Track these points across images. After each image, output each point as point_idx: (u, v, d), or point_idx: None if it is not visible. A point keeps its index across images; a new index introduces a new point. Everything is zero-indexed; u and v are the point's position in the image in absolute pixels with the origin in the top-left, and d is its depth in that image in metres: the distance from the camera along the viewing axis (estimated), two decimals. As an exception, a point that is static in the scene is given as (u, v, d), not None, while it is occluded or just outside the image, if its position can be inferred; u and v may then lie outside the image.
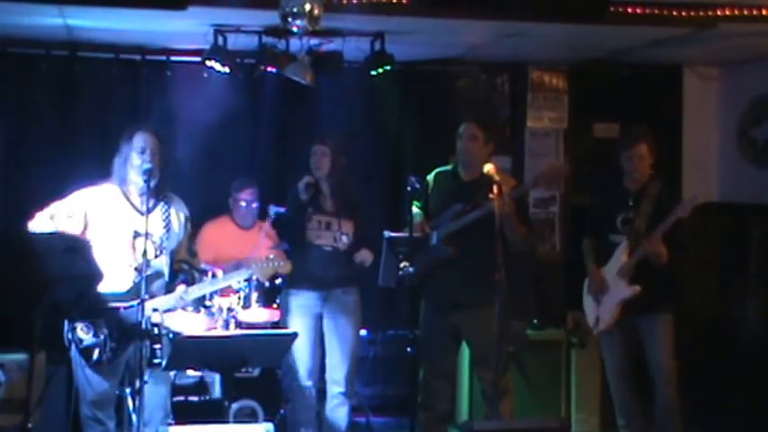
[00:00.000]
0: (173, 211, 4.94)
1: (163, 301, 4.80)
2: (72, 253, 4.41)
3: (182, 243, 5.00)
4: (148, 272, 4.71)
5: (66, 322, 4.74)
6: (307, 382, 5.63)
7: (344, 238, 5.50)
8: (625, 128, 5.61)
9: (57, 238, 4.58)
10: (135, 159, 4.78)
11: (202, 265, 5.48)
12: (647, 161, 5.46)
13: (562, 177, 5.83)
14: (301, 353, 5.56)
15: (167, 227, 4.89)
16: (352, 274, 5.64)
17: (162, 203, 4.91)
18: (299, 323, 5.57)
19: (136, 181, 4.77)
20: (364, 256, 5.59)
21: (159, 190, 4.88)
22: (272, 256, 5.13)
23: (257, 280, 5.82)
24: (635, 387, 5.55)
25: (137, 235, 4.71)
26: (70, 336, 4.73)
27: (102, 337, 4.70)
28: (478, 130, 5.47)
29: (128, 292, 4.73)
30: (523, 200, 5.64)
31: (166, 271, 4.91)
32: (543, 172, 5.64)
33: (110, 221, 4.80)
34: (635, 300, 5.33)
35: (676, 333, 5.47)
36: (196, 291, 4.94)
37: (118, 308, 4.71)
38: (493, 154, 5.55)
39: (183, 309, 5.18)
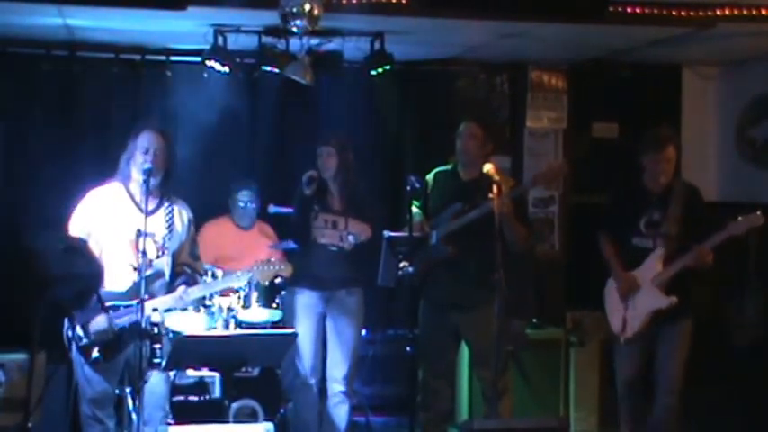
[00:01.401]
0: (176, 212, 4.94)
1: (163, 301, 4.80)
2: (72, 253, 4.41)
3: (184, 245, 4.99)
4: (149, 272, 4.72)
5: (65, 320, 4.75)
6: (309, 380, 5.64)
7: (351, 238, 5.47)
8: (653, 128, 5.46)
9: (57, 238, 4.59)
10: (138, 158, 4.79)
11: (204, 266, 5.48)
12: (673, 163, 5.33)
13: (561, 176, 5.81)
14: (304, 351, 5.57)
15: (170, 227, 4.89)
16: (356, 274, 5.62)
17: (166, 204, 4.91)
18: (301, 322, 5.57)
19: (138, 180, 4.77)
20: (361, 228, 5.48)
21: (163, 190, 4.89)
22: (272, 259, 5.14)
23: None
24: (642, 393, 5.49)
25: (140, 234, 4.72)
26: (70, 334, 4.74)
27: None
28: (478, 129, 5.48)
29: (128, 291, 4.73)
30: (522, 199, 5.64)
31: (168, 271, 4.91)
32: (542, 171, 5.63)
33: (113, 220, 4.81)
34: (666, 309, 5.25)
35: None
36: (196, 291, 4.94)
37: (118, 306, 4.72)
38: (492, 154, 5.55)
39: (183, 309, 5.18)
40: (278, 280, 5.83)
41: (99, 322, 4.66)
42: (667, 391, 5.32)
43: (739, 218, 5.16)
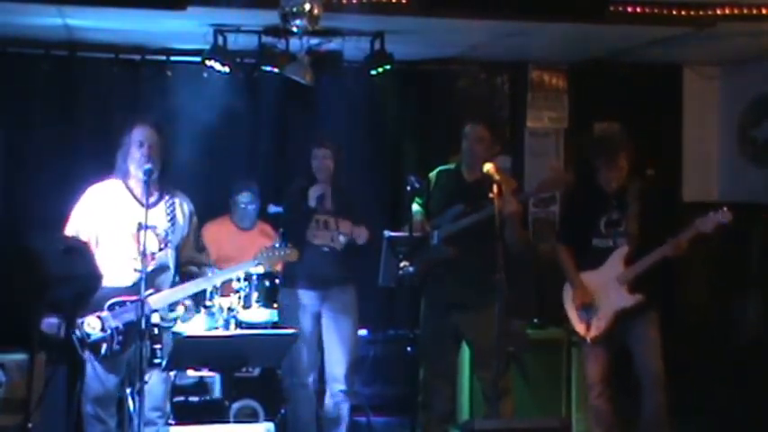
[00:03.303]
0: (177, 204, 4.94)
1: (167, 295, 4.79)
2: (71, 254, 4.41)
3: (187, 238, 4.99)
4: (153, 265, 4.71)
5: (67, 322, 4.74)
6: (306, 380, 5.63)
7: (341, 238, 5.48)
8: (604, 135, 5.50)
9: (57, 238, 4.59)
10: (135, 153, 4.79)
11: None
12: (625, 169, 5.34)
13: (564, 183, 5.81)
14: (300, 351, 5.55)
15: (172, 220, 4.89)
16: (349, 272, 5.62)
17: (166, 197, 4.91)
18: (297, 322, 5.56)
19: (136, 174, 4.78)
20: (359, 231, 5.49)
21: (162, 183, 4.88)
22: (277, 245, 5.11)
23: (257, 279, 5.82)
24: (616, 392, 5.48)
25: (141, 228, 4.71)
26: (77, 333, 4.72)
27: (109, 331, 4.70)
28: (485, 132, 5.46)
29: (132, 286, 4.73)
30: (524, 203, 5.65)
31: (172, 264, 4.90)
32: (546, 179, 5.63)
33: (114, 216, 4.81)
34: (631, 308, 5.27)
35: (675, 334, 5.44)
36: (201, 284, 4.93)
37: (124, 301, 4.71)
38: (498, 155, 5.54)
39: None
40: (277, 280, 5.83)
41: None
42: (654, 388, 5.30)
43: (709, 213, 5.15)
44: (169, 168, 4.91)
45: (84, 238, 4.76)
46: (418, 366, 5.55)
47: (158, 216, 4.85)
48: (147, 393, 4.74)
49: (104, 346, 4.70)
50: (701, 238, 5.15)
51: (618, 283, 5.28)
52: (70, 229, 4.81)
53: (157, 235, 4.82)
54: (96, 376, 4.77)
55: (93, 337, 4.70)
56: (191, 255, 5.01)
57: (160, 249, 4.83)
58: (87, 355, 4.74)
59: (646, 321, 5.32)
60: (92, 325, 4.70)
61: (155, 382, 4.81)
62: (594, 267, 5.38)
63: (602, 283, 5.34)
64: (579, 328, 5.44)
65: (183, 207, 4.98)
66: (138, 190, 4.80)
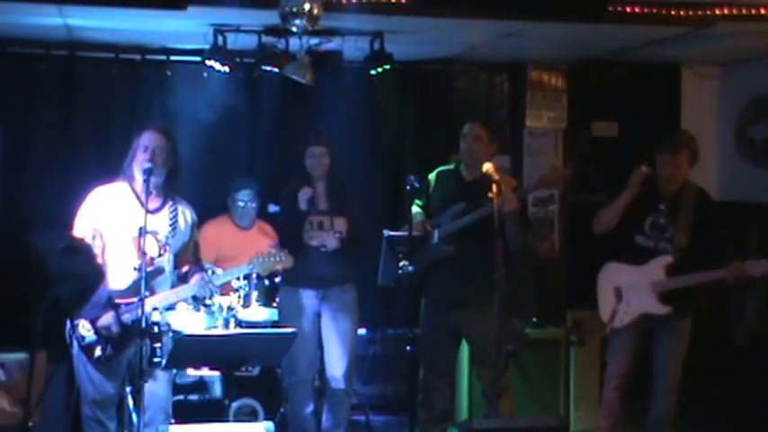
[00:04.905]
0: (180, 211, 4.95)
1: (162, 298, 4.80)
2: (72, 252, 4.41)
3: (187, 246, 5.00)
4: (150, 269, 4.72)
5: (67, 321, 4.75)
6: (306, 379, 5.64)
7: (337, 236, 5.49)
8: (672, 131, 5.41)
9: (58, 237, 4.59)
10: (139, 156, 4.82)
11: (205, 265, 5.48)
12: (685, 170, 5.31)
13: (563, 180, 5.82)
14: (300, 350, 5.56)
15: (174, 226, 4.90)
16: (348, 271, 5.64)
17: (170, 203, 4.92)
18: (297, 321, 5.57)
19: (139, 178, 4.79)
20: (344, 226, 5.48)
21: (167, 189, 4.90)
22: (273, 251, 5.10)
23: (257, 278, 5.83)
24: (630, 389, 5.51)
25: (142, 232, 4.73)
26: (72, 333, 4.73)
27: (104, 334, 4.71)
28: (483, 131, 5.48)
29: (128, 288, 4.73)
30: (523, 201, 5.66)
31: (168, 268, 4.91)
32: (546, 175, 5.64)
33: (118, 218, 4.82)
34: (658, 316, 5.29)
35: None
36: (197, 288, 4.95)
37: (120, 304, 4.72)
38: (496, 154, 5.56)
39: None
40: (277, 279, 5.84)
41: (106, 318, 4.68)
42: (667, 389, 5.34)
43: (762, 260, 5.20)
44: (176, 176, 4.92)
45: (96, 239, 4.77)
46: (418, 365, 5.56)
47: (161, 222, 4.86)
48: (154, 396, 4.75)
49: (98, 349, 4.70)
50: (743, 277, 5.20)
51: (652, 289, 5.28)
52: (78, 231, 4.81)
53: (158, 241, 4.83)
54: (89, 379, 4.78)
55: (86, 340, 4.71)
56: (189, 261, 5.02)
57: (159, 255, 4.84)
58: (80, 357, 4.74)
59: (674, 329, 5.35)
60: (86, 327, 4.71)
61: (160, 384, 4.82)
62: (635, 264, 5.37)
63: (637, 282, 5.32)
64: (605, 314, 5.43)
65: (185, 214, 4.99)
66: (144, 194, 4.82)
